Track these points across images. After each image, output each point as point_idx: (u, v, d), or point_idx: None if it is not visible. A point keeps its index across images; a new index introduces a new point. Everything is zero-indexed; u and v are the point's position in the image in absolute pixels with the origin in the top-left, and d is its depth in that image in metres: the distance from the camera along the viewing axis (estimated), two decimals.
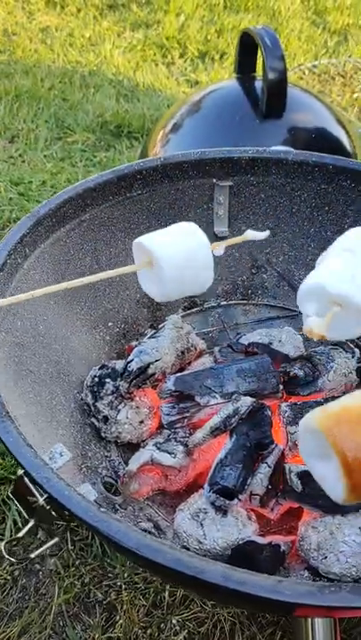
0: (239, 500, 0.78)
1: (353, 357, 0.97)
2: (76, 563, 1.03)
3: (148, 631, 0.96)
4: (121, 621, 0.97)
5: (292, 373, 0.90)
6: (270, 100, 1.43)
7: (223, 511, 0.78)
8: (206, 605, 0.99)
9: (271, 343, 0.98)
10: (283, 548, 0.77)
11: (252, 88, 1.54)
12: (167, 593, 0.99)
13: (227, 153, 1.04)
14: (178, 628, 0.97)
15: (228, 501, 0.77)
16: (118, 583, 1.01)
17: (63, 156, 1.91)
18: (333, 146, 1.51)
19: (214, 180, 1.06)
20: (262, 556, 0.73)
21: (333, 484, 0.53)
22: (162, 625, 0.97)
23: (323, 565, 0.75)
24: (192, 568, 0.50)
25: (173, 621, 0.97)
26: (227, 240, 0.78)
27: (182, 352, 0.93)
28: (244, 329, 1.11)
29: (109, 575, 1.02)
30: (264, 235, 0.76)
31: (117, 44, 2.47)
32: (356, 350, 0.99)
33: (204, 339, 1.04)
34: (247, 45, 1.48)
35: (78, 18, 2.66)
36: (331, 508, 0.77)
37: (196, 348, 0.97)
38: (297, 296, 0.70)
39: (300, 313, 0.70)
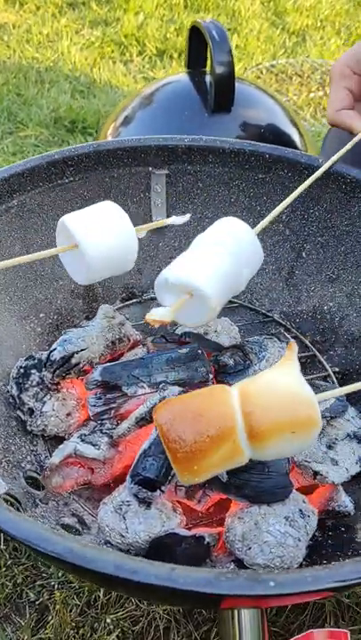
0: (162, 491, 0.75)
1: None
2: (9, 563, 0.99)
3: (81, 631, 0.93)
4: (53, 621, 0.94)
5: (221, 362, 0.88)
6: (218, 94, 1.42)
7: (147, 503, 0.75)
8: (142, 604, 0.96)
9: (207, 333, 0.96)
10: (207, 539, 0.75)
11: (201, 82, 1.53)
12: (102, 592, 0.96)
13: (162, 141, 1.02)
14: (112, 627, 0.94)
15: (150, 493, 0.74)
16: (52, 583, 0.98)
17: (15, 151, 1.87)
18: (283, 141, 1.51)
19: (150, 169, 1.03)
20: (182, 548, 0.71)
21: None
22: (95, 624, 0.94)
23: (247, 557, 0.73)
24: (82, 558, 0.48)
25: (107, 620, 0.94)
26: (149, 224, 0.76)
27: (113, 342, 0.91)
28: None
29: (43, 575, 0.99)
30: (184, 219, 0.75)
31: (75, 41, 2.45)
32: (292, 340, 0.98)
33: (143, 330, 1.02)
34: (198, 40, 1.47)
35: (37, 15, 2.63)
36: (257, 497, 0.75)
37: (129, 339, 0.94)
38: (155, 289, 0.74)
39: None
